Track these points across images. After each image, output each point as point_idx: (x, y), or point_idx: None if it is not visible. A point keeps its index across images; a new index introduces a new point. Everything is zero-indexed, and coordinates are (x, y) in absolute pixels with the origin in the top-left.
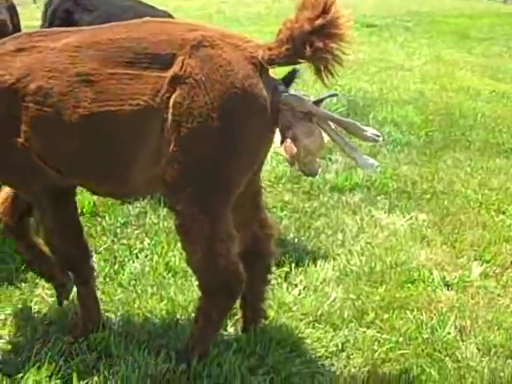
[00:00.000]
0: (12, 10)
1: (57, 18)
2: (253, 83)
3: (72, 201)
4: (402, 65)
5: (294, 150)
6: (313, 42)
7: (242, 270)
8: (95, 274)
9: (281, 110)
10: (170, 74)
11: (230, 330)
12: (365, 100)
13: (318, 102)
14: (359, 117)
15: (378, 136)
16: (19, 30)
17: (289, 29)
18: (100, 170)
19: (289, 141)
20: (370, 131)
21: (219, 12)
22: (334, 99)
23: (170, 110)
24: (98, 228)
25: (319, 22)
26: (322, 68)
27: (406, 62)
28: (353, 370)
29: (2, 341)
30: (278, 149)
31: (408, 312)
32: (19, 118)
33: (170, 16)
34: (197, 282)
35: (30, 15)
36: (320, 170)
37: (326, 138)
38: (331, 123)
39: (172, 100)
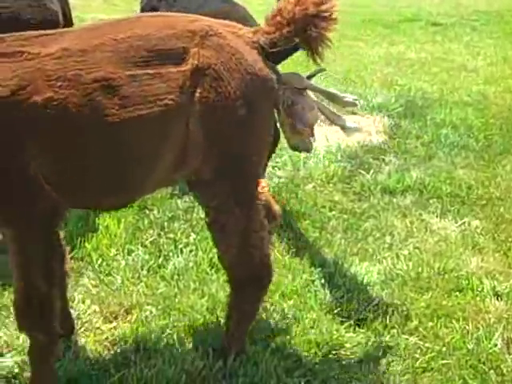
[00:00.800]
0: (63, 1)
1: None
2: (262, 67)
3: (58, 232)
4: (465, 65)
5: (299, 125)
6: (316, 24)
7: (272, 261)
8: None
9: (281, 89)
10: (188, 67)
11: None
12: (424, 100)
13: (309, 78)
14: (416, 117)
15: (356, 99)
16: (71, 22)
17: (291, 11)
18: (117, 180)
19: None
20: (349, 96)
21: None
22: (392, 99)
23: (197, 105)
24: (146, 221)
25: (325, 6)
26: (316, 50)
27: (470, 62)
28: (392, 377)
29: None
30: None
31: (453, 321)
32: (20, 135)
33: (246, 11)
34: (228, 277)
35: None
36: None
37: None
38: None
39: (197, 94)
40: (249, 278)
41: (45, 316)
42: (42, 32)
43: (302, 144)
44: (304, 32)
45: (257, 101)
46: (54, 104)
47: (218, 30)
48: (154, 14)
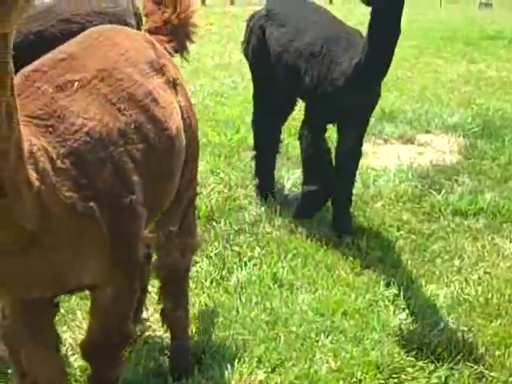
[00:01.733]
0: (138, 17)
1: (253, 34)
2: None
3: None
4: None
5: None
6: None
7: None
8: None
9: None
10: (167, 78)
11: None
12: (502, 121)
13: None
14: (493, 138)
15: None
16: None
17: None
18: (157, 197)
19: None
20: None
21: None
22: (469, 119)
23: (183, 114)
24: (212, 233)
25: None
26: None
27: None
28: None
29: None
30: None
31: None
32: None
33: (361, 35)
34: None
35: None
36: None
37: None
38: None
39: (180, 104)
40: None
41: (121, 354)
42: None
43: None
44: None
45: None
46: (125, 131)
47: (153, 40)
48: (102, 27)
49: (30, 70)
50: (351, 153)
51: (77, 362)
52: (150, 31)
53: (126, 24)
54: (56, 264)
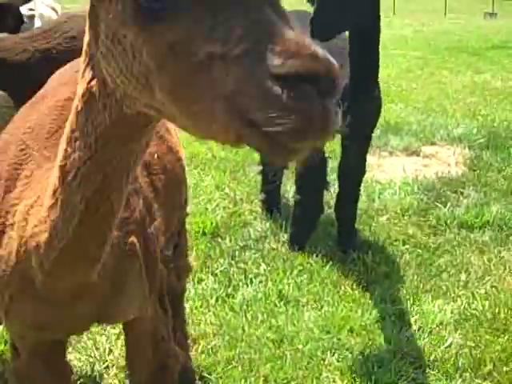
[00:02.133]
0: None
1: None
2: None
3: None
4: None
5: None
6: None
7: None
8: None
9: None
10: None
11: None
12: (508, 132)
13: None
14: (499, 149)
15: None
16: None
17: None
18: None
19: None
20: None
21: None
22: (475, 130)
23: None
24: (217, 249)
25: None
26: None
27: None
28: None
29: None
30: None
31: None
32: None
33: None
34: None
35: None
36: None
37: None
38: None
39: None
40: None
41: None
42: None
43: None
44: None
45: None
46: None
47: None
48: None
49: None
50: (354, 169)
51: (83, 383)
52: None
53: None
54: (105, 305)
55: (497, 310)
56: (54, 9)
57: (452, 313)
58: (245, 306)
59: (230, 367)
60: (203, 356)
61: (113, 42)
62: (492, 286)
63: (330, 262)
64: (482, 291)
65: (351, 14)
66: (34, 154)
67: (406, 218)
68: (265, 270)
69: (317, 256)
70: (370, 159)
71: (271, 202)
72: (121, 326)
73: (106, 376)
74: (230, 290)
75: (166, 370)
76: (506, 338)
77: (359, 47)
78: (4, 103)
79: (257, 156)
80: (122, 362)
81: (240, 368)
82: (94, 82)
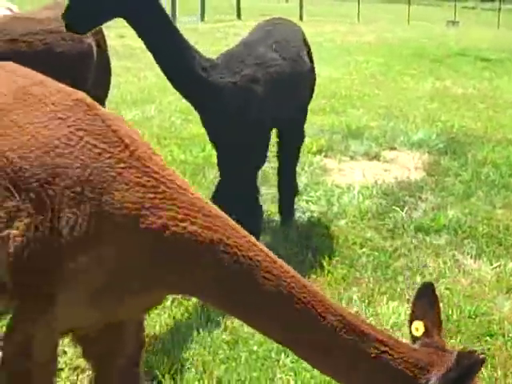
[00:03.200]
0: (99, 34)
1: None
2: None
3: None
4: None
5: None
6: None
7: None
8: None
9: None
10: None
11: None
12: (466, 137)
13: None
14: (457, 155)
15: None
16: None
17: None
18: None
19: None
20: None
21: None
22: (434, 136)
23: None
24: None
25: None
26: None
27: None
28: None
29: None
30: None
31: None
32: None
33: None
34: None
35: None
36: None
37: None
38: None
39: None
40: None
41: None
42: None
43: None
44: None
45: None
46: None
47: None
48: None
49: None
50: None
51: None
52: None
53: (82, 42)
54: None
55: (450, 312)
56: (10, 9)
57: (406, 314)
58: (199, 308)
59: (183, 368)
60: (157, 357)
61: None
62: (446, 288)
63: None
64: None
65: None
66: None
67: (364, 221)
68: None
69: None
70: (331, 163)
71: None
72: None
73: None
74: None
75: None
76: (458, 339)
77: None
78: None
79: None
80: None
81: (194, 370)
82: None
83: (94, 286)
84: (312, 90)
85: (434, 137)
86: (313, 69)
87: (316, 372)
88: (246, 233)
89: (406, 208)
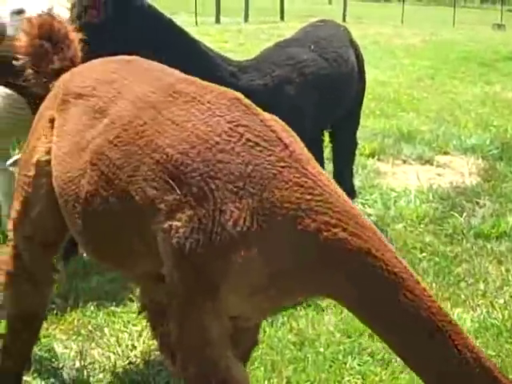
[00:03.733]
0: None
1: None
2: None
3: None
4: None
5: None
6: None
7: None
8: None
9: None
10: None
11: None
12: None
13: None
14: None
15: None
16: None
17: None
18: None
19: None
20: None
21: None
22: (488, 141)
23: None
24: None
25: None
26: None
27: None
28: None
29: None
30: None
31: None
32: None
33: None
34: None
35: None
36: None
37: None
38: None
39: None
40: None
41: None
42: None
43: None
44: None
45: None
46: None
47: None
48: None
49: None
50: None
51: (106, 378)
52: None
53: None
54: None
55: None
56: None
57: (472, 321)
58: None
59: (252, 367)
60: None
61: None
62: (511, 296)
63: None
64: (501, 301)
65: None
66: None
67: (422, 226)
68: None
69: None
70: (384, 166)
71: None
72: (143, 323)
73: (129, 372)
74: None
75: None
76: None
77: None
78: (18, 105)
79: None
80: (145, 359)
81: (263, 369)
82: None
83: (251, 282)
84: (361, 93)
85: (487, 142)
86: (361, 70)
87: (384, 376)
88: (392, 248)
89: (464, 214)
